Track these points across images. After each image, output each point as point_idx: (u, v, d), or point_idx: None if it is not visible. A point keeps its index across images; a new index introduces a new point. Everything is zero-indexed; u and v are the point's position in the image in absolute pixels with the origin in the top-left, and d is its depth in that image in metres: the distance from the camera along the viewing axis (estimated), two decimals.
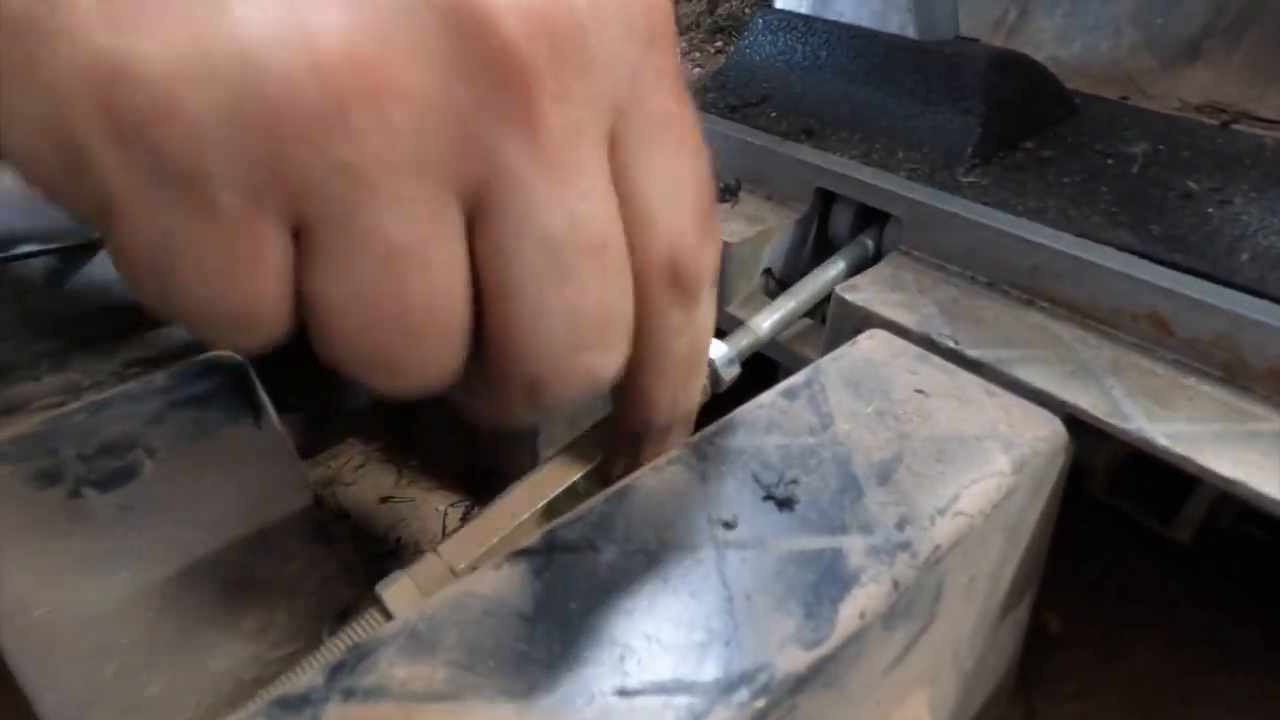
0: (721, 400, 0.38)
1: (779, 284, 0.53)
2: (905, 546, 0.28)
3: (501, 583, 0.26)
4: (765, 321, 0.47)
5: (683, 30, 0.83)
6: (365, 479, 0.59)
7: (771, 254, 0.52)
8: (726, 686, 0.24)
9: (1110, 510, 0.42)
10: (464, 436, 0.64)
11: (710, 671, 0.24)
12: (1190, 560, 0.53)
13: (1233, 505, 0.40)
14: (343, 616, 0.31)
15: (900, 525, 0.29)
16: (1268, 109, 0.62)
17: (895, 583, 0.27)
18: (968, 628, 0.36)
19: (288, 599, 0.45)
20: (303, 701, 0.23)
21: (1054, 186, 0.47)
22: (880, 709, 0.32)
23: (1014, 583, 0.38)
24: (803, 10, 0.60)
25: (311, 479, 0.48)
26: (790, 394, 0.35)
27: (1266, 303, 0.36)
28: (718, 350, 0.44)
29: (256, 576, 0.43)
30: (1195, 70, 0.66)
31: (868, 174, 0.48)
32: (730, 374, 0.45)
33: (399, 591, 0.31)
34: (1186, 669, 0.49)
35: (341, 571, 0.47)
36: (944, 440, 0.33)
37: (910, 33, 0.56)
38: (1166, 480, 0.38)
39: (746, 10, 0.84)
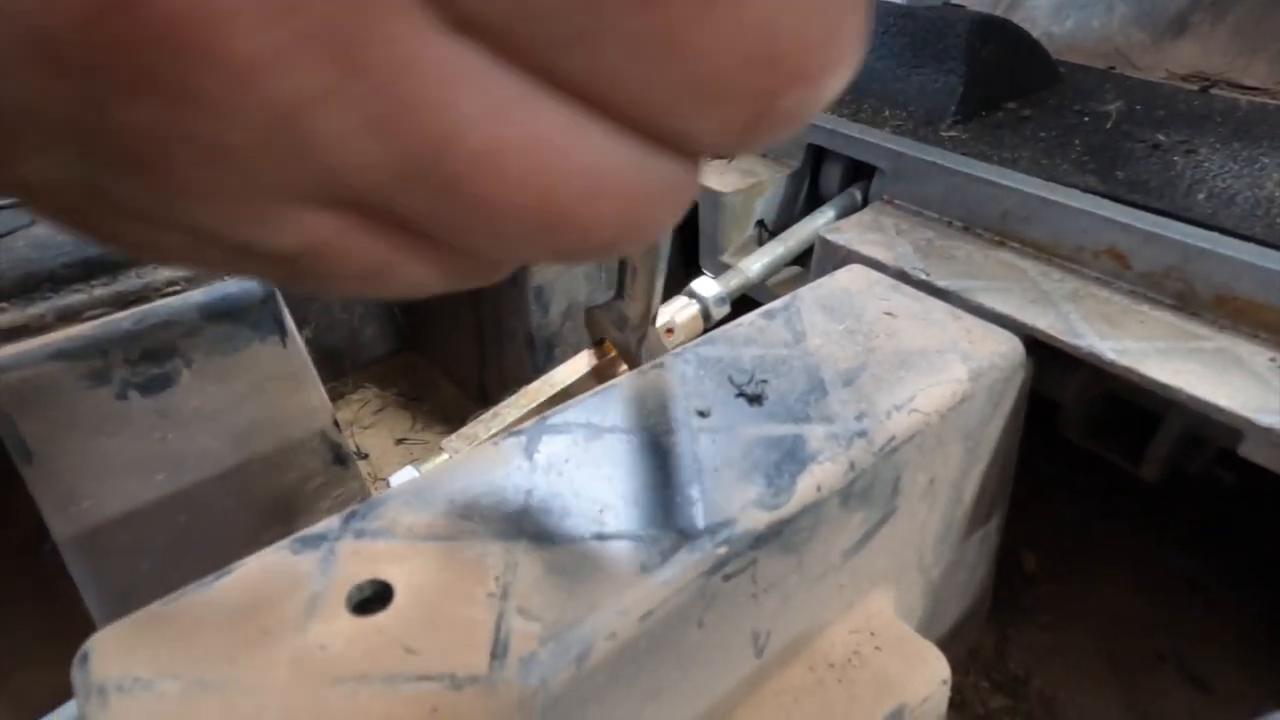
0: None
1: (772, 236, 0.56)
2: (862, 434, 0.31)
3: (498, 455, 0.30)
4: (756, 264, 0.50)
5: None
6: (383, 422, 0.63)
7: (764, 206, 0.55)
8: (692, 535, 0.27)
9: (1087, 458, 0.44)
10: (474, 386, 0.67)
11: (678, 523, 0.27)
12: (1161, 503, 0.55)
13: (1203, 450, 0.43)
14: None
15: (859, 418, 0.32)
16: (1251, 77, 0.64)
17: (851, 464, 0.30)
18: (932, 533, 0.39)
19: (307, 515, 0.48)
20: (319, 539, 0.26)
21: (1029, 140, 0.49)
22: (844, 594, 0.34)
23: (979, 497, 0.41)
24: None
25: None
26: (769, 315, 0.38)
27: (1216, 234, 0.38)
28: (709, 289, 0.47)
29: (278, 491, 0.46)
30: (1183, 43, 0.68)
31: (855, 130, 0.51)
32: (720, 312, 0.48)
33: (406, 478, 0.34)
34: (1154, 604, 0.51)
35: (357, 495, 0.51)
36: (907, 353, 0.36)
37: None
38: (1138, 427, 0.41)
39: None
